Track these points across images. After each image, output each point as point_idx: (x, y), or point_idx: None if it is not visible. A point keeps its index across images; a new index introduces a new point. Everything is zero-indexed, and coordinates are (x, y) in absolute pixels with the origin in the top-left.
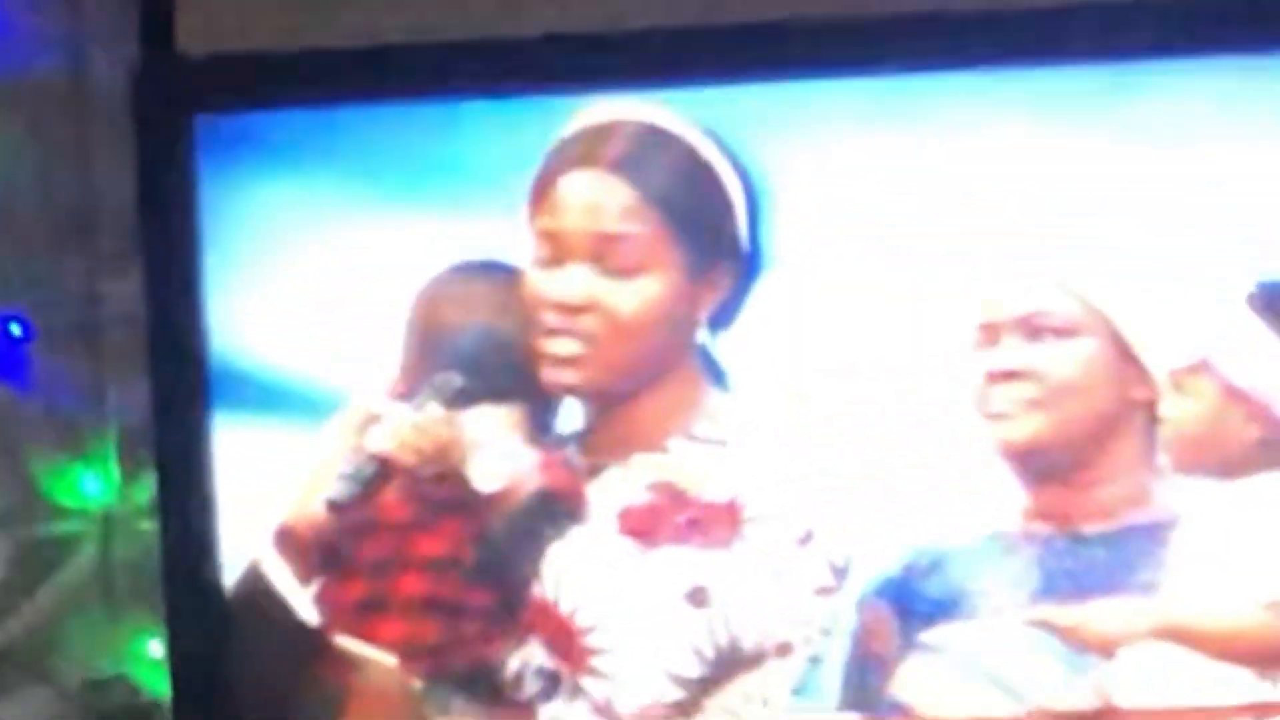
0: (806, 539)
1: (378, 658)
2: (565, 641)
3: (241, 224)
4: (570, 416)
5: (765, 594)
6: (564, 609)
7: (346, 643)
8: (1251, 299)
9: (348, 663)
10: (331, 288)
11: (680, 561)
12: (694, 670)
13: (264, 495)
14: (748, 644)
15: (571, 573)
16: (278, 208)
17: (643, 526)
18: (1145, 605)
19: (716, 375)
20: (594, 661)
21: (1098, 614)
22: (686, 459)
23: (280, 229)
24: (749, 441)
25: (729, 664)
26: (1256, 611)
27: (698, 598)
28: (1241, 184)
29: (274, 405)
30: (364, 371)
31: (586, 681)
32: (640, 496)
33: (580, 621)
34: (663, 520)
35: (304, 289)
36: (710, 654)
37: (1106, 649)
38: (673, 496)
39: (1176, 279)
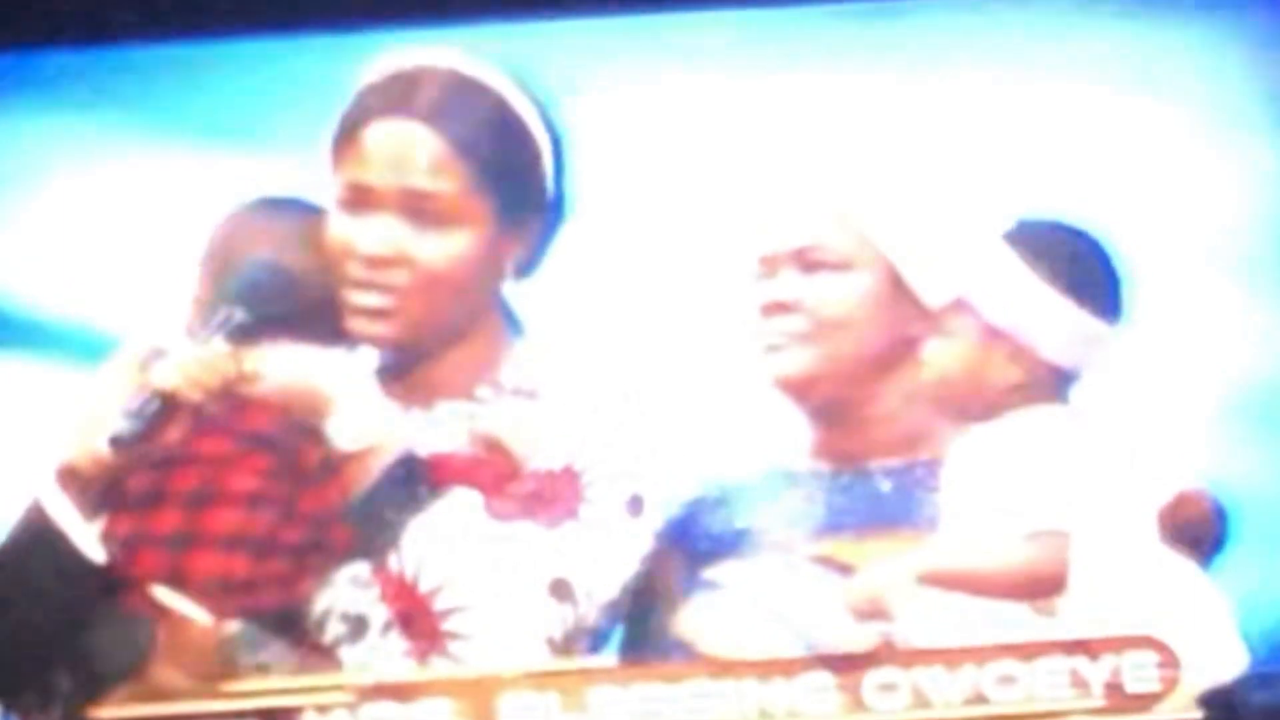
0: (637, 504)
1: (185, 609)
2: (421, 620)
3: (15, 164)
4: (368, 358)
5: (606, 564)
6: (423, 589)
7: (156, 591)
8: (1010, 237)
9: (152, 608)
10: (112, 225)
11: (535, 542)
12: (545, 655)
13: (41, 436)
14: (591, 621)
15: (430, 549)
16: (54, 146)
17: (474, 479)
18: (920, 546)
19: (518, 324)
20: (451, 646)
21: (878, 554)
22: (502, 412)
23: (58, 168)
24: (566, 394)
25: (574, 641)
26: (1020, 544)
27: (560, 591)
28: (1002, 122)
29: (48, 345)
30: (145, 308)
31: (436, 660)
32: (459, 446)
33: (439, 604)
34: (497, 481)
35: (78, 226)
36: (560, 639)
37: (884, 593)
38: (495, 452)
39: (949, 217)
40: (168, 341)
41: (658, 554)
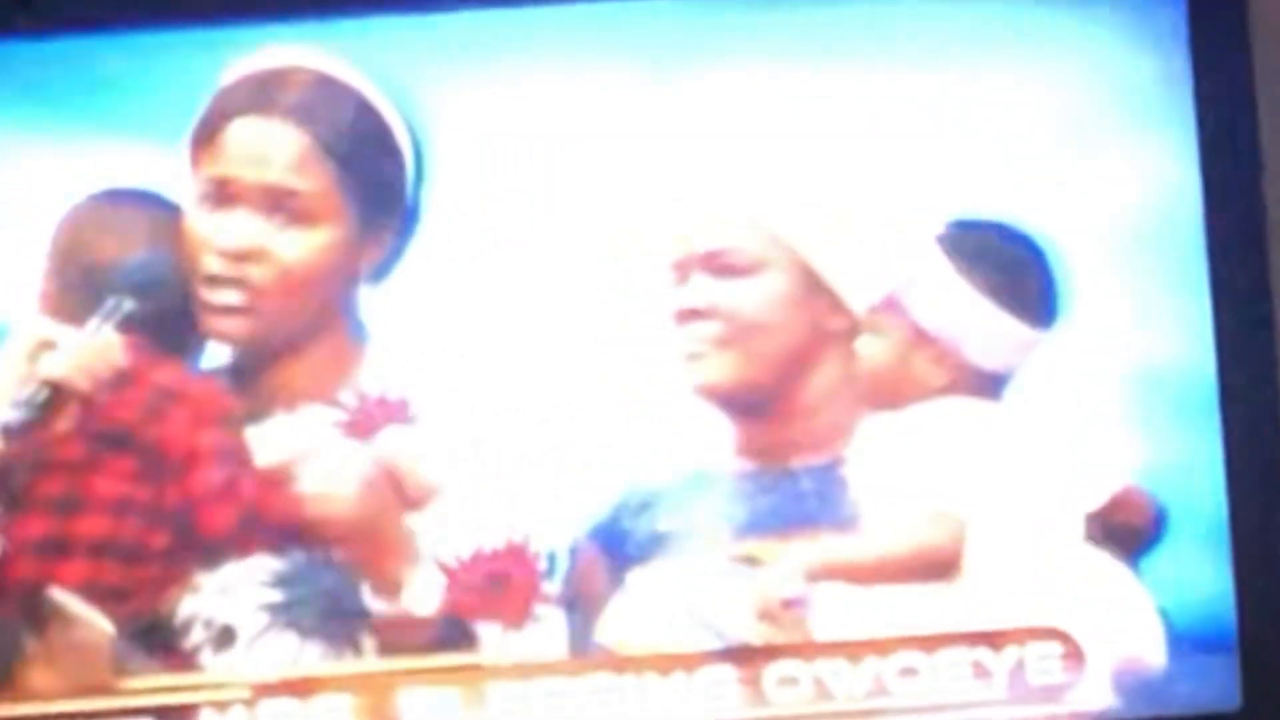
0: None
1: (82, 612)
2: None
3: None
4: (218, 356)
5: None
6: None
7: (55, 594)
8: (942, 239)
9: (36, 608)
10: None
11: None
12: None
13: None
14: None
15: None
16: None
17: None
18: (831, 541)
19: (363, 330)
20: None
21: (796, 551)
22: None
23: None
24: (436, 399)
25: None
26: (911, 525)
27: None
28: (934, 121)
29: None
30: (20, 300)
31: None
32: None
33: None
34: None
35: None
36: None
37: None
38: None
39: (868, 216)
40: (56, 332)
41: (583, 558)
